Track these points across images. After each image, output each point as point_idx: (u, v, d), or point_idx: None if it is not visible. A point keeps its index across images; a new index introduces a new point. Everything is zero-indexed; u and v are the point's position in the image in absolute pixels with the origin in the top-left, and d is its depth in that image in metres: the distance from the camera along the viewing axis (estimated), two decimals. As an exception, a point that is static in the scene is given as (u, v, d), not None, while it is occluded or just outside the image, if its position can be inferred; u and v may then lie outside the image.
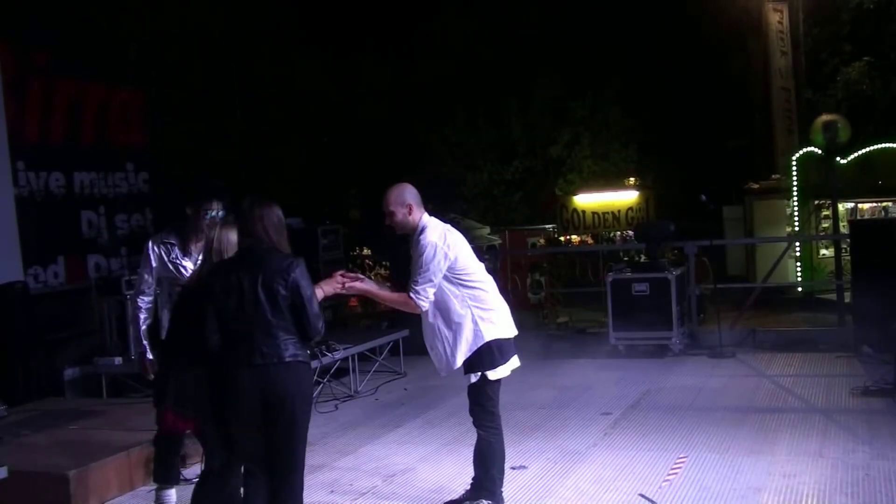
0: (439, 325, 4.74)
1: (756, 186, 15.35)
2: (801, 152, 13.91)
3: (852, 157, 13.54)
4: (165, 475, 5.07)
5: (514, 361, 4.84)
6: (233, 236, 4.33)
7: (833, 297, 12.04)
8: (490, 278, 4.89)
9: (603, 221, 18.02)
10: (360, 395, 8.44)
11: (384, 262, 15.70)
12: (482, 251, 15.64)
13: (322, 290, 4.50)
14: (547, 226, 19.00)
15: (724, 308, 10.31)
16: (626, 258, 15.30)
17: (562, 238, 18.39)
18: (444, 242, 4.66)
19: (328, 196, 18.81)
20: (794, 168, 13.78)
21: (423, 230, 4.69)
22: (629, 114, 19.94)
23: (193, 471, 5.78)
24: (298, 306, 4.13)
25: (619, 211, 17.97)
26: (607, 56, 19.13)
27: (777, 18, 16.14)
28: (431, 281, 4.61)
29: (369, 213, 19.21)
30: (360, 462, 6.19)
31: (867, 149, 13.68)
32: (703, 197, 10.10)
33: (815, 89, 16.93)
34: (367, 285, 4.79)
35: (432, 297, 4.66)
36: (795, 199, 13.79)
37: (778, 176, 15.15)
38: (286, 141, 16.68)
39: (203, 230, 5.11)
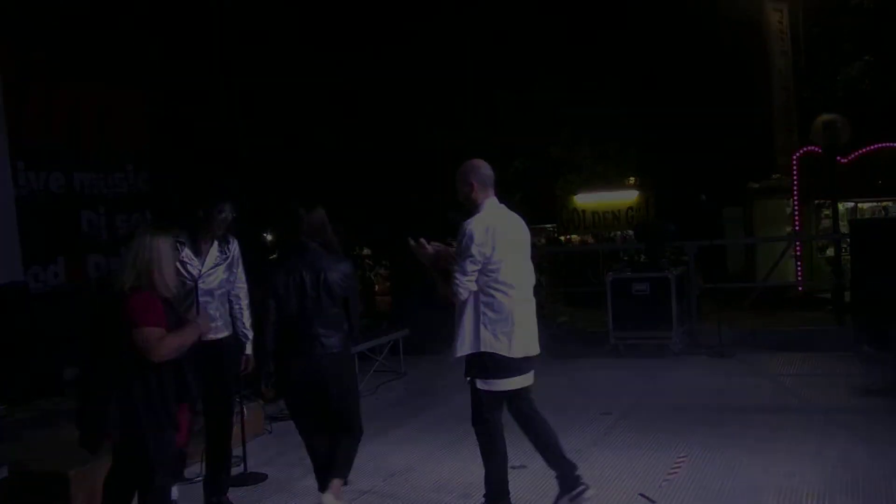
0: (457, 314, 4.65)
1: (756, 186, 15.35)
2: (801, 152, 13.91)
3: (852, 157, 13.54)
4: None
5: (519, 381, 4.64)
6: (166, 246, 4.11)
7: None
8: (525, 289, 4.68)
9: (603, 221, 18.03)
10: (360, 394, 8.42)
11: (384, 262, 15.70)
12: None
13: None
14: (547, 225, 19.00)
15: (724, 308, 10.31)
16: (626, 258, 15.30)
17: (562, 238, 18.39)
18: (486, 235, 4.52)
19: (328, 196, 18.80)
20: (795, 168, 13.78)
21: (474, 214, 4.63)
22: (629, 114, 19.92)
23: (193, 470, 5.80)
24: (350, 308, 4.85)
25: (619, 210, 17.98)
26: (607, 56, 19.12)
27: (777, 18, 16.13)
28: (466, 272, 4.51)
29: (369, 213, 19.22)
30: (361, 461, 6.16)
31: (867, 149, 13.68)
32: (703, 197, 10.11)
33: (815, 89, 16.92)
34: (431, 254, 4.74)
35: (472, 287, 4.53)
36: (796, 198, 13.79)
37: (778, 176, 15.15)
38: (286, 141, 16.66)
39: (214, 231, 5.16)
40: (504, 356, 4.56)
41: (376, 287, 15.78)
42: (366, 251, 17.18)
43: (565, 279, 15.78)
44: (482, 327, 4.54)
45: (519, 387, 4.67)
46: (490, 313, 4.55)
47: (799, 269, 13.53)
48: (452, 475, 5.69)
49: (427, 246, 4.74)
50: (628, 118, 19.95)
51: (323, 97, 17.37)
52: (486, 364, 4.56)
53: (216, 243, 5.26)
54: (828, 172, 12.80)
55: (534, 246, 16.97)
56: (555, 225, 18.77)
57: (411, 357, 9.54)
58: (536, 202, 20.40)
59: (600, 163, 19.91)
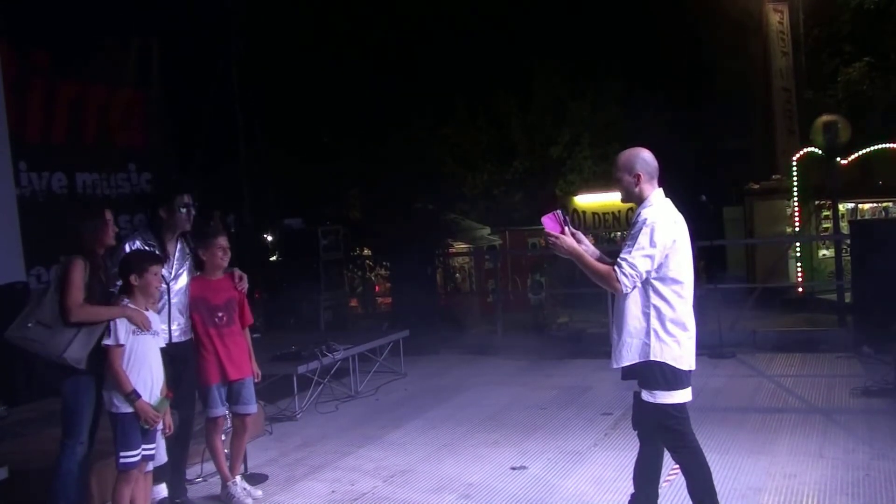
0: (618, 317, 4.14)
1: (756, 187, 15.36)
2: (801, 153, 13.92)
3: (852, 157, 13.55)
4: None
5: (681, 395, 4.19)
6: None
7: (833, 297, 12.05)
8: (689, 296, 4.11)
9: (603, 222, 18.04)
10: (360, 395, 8.45)
11: (384, 263, 15.72)
12: (483, 251, 15.72)
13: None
14: (547, 226, 18.98)
15: (724, 308, 10.31)
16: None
17: (562, 238, 18.39)
18: (671, 226, 4.02)
19: (328, 196, 18.82)
20: (795, 168, 13.79)
21: (647, 206, 4.09)
22: (629, 114, 19.93)
23: (194, 470, 5.81)
24: None
25: (619, 211, 17.97)
26: (608, 56, 19.15)
27: (777, 19, 16.15)
28: (647, 257, 3.94)
29: (369, 213, 19.23)
30: (361, 462, 6.19)
31: (867, 149, 13.69)
32: (703, 197, 10.11)
33: (815, 89, 16.94)
34: (574, 244, 4.20)
35: (637, 282, 3.99)
36: (796, 199, 13.80)
37: (778, 176, 15.16)
38: (287, 141, 16.69)
39: (181, 227, 5.13)
40: (677, 368, 4.10)
41: (376, 287, 15.79)
42: (366, 251, 17.22)
43: (565, 280, 15.79)
44: (652, 335, 4.03)
45: (684, 399, 4.20)
46: (663, 322, 4.04)
47: (799, 269, 13.55)
48: (452, 476, 5.70)
49: (568, 234, 4.17)
50: (629, 119, 19.96)
51: (323, 97, 17.40)
52: (654, 373, 4.09)
53: (179, 244, 5.24)
54: (828, 173, 12.81)
55: (533, 247, 16.83)
56: (555, 226, 18.74)
57: (411, 357, 9.55)
58: (536, 202, 20.43)
59: (601, 163, 19.93)
